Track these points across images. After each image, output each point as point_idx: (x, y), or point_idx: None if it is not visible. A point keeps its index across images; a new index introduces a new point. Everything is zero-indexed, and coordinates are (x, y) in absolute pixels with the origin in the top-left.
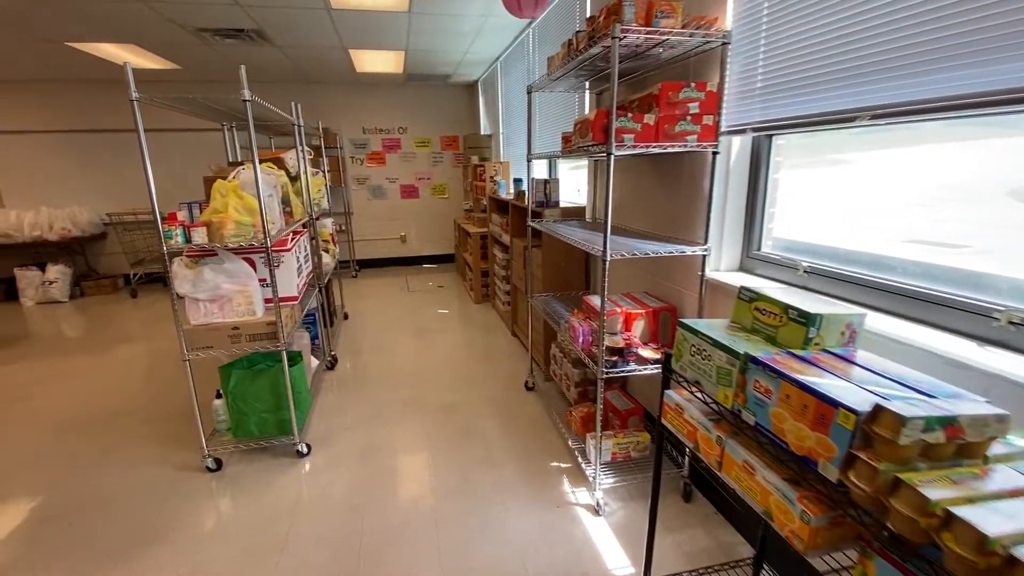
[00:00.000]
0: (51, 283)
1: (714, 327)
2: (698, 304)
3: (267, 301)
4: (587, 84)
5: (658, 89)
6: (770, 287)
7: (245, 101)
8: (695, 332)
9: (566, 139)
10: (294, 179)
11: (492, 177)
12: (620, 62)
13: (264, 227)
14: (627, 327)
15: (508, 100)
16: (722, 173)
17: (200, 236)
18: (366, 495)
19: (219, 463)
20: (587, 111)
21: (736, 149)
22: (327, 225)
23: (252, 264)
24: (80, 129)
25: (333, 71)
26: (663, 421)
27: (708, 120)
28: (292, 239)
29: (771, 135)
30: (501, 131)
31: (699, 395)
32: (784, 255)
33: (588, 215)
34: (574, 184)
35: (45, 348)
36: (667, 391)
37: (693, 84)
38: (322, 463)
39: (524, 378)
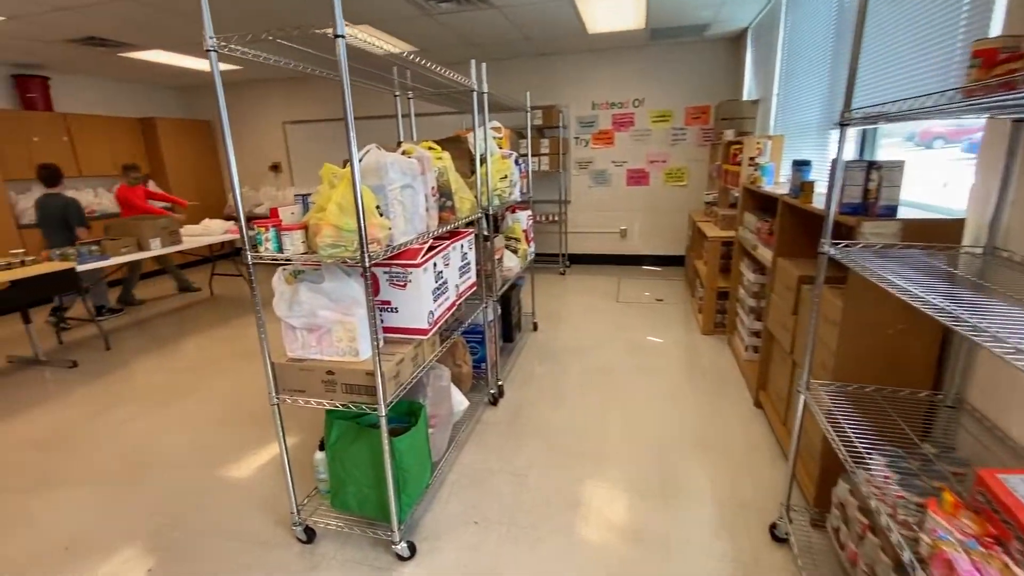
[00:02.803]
0: None
1: None
2: None
3: (392, 331)
4: None
5: None
6: None
7: (337, 36)
8: None
9: (988, 58)
10: (474, 164)
11: (752, 158)
12: None
13: (362, 235)
14: None
15: (793, 46)
16: None
17: (294, 243)
18: None
19: (311, 535)
20: (997, 25)
21: None
22: (520, 220)
23: (375, 281)
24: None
25: (563, 36)
26: None
27: None
28: (431, 249)
29: None
30: (775, 93)
31: None
32: None
33: (970, 238)
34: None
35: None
36: None
37: None
38: None
39: (771, 512)
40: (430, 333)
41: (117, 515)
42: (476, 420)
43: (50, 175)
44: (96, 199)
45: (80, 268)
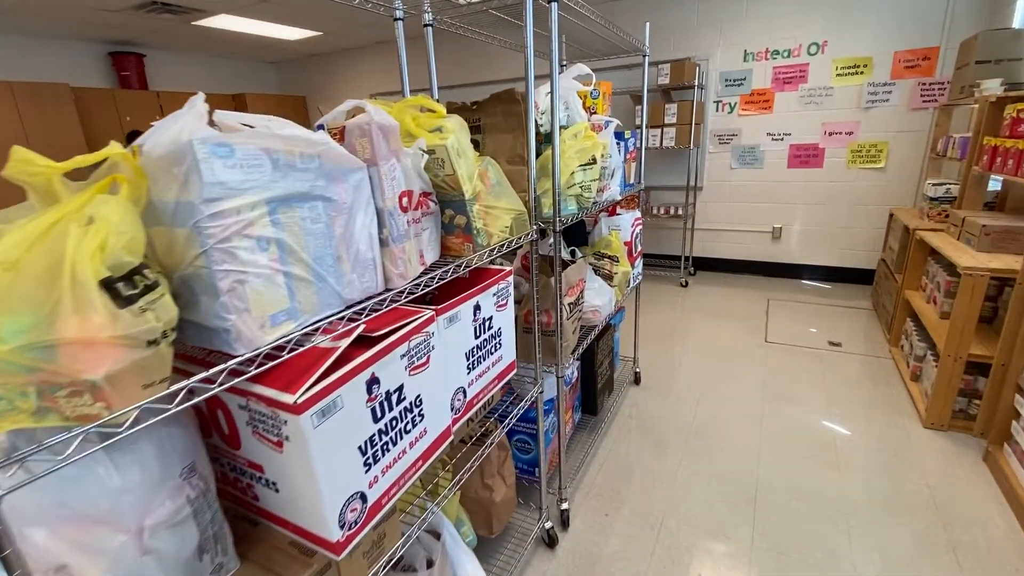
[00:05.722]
0: None
1: None
2: None
3: (272, 519)
4: None
5: None
6: None
7: None
8: None
9: None
10: (544, 139)
11: None
12: None
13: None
14: None
15: None
16: None
17: None
18: None
19: None
20: None
21: None
22: (622, 226)
23: (230, 421)
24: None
25: None
26: None
27: None
28: (370, 342)
29: None
30: None
31: None
32: None
33: None
34: None
35: None
36: None
37: None
38: None
39: None
40: (345, 551)
41: None
42: None
43: None
44: None
45: None
